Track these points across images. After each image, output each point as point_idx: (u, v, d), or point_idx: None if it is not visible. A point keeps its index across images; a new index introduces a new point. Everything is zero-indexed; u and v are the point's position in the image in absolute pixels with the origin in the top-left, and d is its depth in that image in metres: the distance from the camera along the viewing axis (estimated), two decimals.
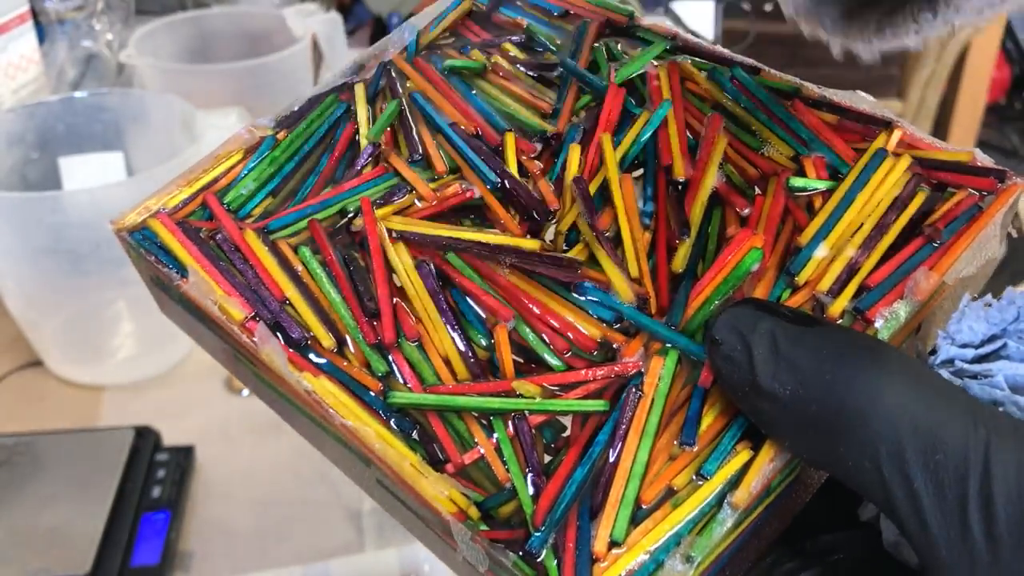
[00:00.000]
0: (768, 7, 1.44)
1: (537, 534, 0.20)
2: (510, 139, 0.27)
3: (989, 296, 0.23)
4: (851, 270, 0.23)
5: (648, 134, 0.27)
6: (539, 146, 0.27)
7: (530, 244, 0.25)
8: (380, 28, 1.04)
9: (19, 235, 0.51)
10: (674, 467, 0.21)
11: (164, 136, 0.58)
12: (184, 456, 0.50)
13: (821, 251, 0.24)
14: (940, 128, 1.52)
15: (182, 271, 0.25)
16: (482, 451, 0.22)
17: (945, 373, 0.22)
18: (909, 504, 0.17)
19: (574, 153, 0.27)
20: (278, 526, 0.48)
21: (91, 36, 0.76)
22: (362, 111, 0.29)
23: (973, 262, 0.23)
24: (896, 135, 0.26)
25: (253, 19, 0.82)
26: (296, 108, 0.29)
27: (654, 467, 0.21)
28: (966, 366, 0.21)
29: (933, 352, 0.22)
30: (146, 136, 0.60)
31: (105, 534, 0.44)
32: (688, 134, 0.27)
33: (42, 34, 0.74)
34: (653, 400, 0.22)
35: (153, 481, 0.48)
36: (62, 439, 0.51)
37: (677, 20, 1.05)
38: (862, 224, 0.24)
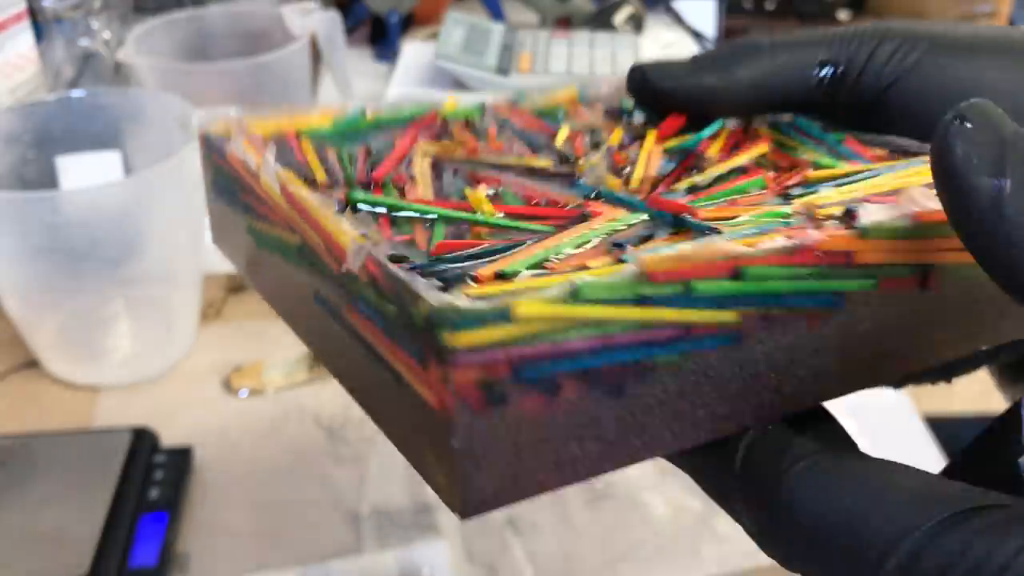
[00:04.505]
0: (769, 6, 1.43)
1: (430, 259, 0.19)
2: (563, 130, 0.28)
3: None
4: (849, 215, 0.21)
5: (694, 142, 0.26)
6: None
7: (542, 163, 0.25)
8: (379, 26, 1.03)
9: (16, 235, 0.51)
10: (594, 252, 0.20)
11: (162, 135, 0.58)
12: (182, 457, 0.50)
13: (827, 191, 0.22)
14: None
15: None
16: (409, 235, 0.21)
17: None
18: None
19: (616, 134, 0.27)
20: (277, 528, 0.48)
21: (88, 34, 0.76)
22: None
23: None
24: None
25: (251, 17, 0.82)
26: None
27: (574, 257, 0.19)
28: None
29: None
30: (144, 135, 0.60)
31: (102, 536, 0.44)
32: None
33: (39, 32, 0.74)
34: (600, 225, 0.21)
35: (151, 482, 0.48)
36: (59, 440, 0.50)
37: (678, 19, 1.05)
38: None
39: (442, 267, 0.19)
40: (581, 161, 0.25)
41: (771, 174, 0.24)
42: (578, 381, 0.17)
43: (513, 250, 0.20)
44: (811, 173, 0.23)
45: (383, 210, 0.22)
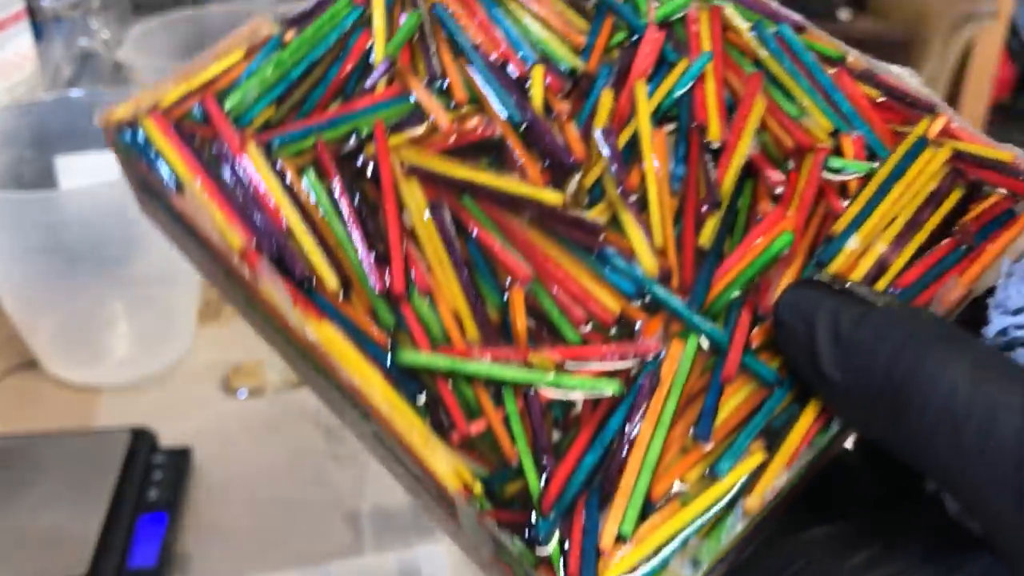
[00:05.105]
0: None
1: (544, 522, 0.19)
2: (538, 74, 0.26)
3: None
4: (881, 267, 0.23)
5: (684, 88, 0.26)
6: (568, 85, 0.26)
7: (553, 197, 0.24)
8: None
9: (14, 235, 0.50)
10: (685, 462, 0.20)
11: None
12: (181, 458, 0.50)
13: (853, 243, 0.23)
14: None
15: (176, 183, 0.23)
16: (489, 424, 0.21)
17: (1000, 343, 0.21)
18: (971, 487, 0.17)
19: (605, 99, 0.25)
20: (276, 528, 0.48)
21: (87, 34, 0.76)
22: (379, 19, 0.26)
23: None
24: (939, 123, 0.25)
25: (251, 17, 0.82)
26: (306, 7, 0.27)
27: (666, 458, 0.20)
28: (1021, 334, 0.20)
29: (987, 323, 0.21)
30: None
31: (102, 536, 0.44)
32: (725, 90, 0.26)
33: (38, 32, 0.74)
34: (670, 388, 0.21)
35: (150, 483, 0.48)
36: (58, 441, 0.50)
37: None
38: (895, 217, 0.23)
39: (555, 529, 0.20)
40: (587, 184, 0.24)
41: (791, 218, 0.24)
42: None
43: (600, 451, 0.20)
44: (834, 227, 0.24)
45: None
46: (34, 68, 0.70)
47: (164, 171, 0.24)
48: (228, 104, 0.25)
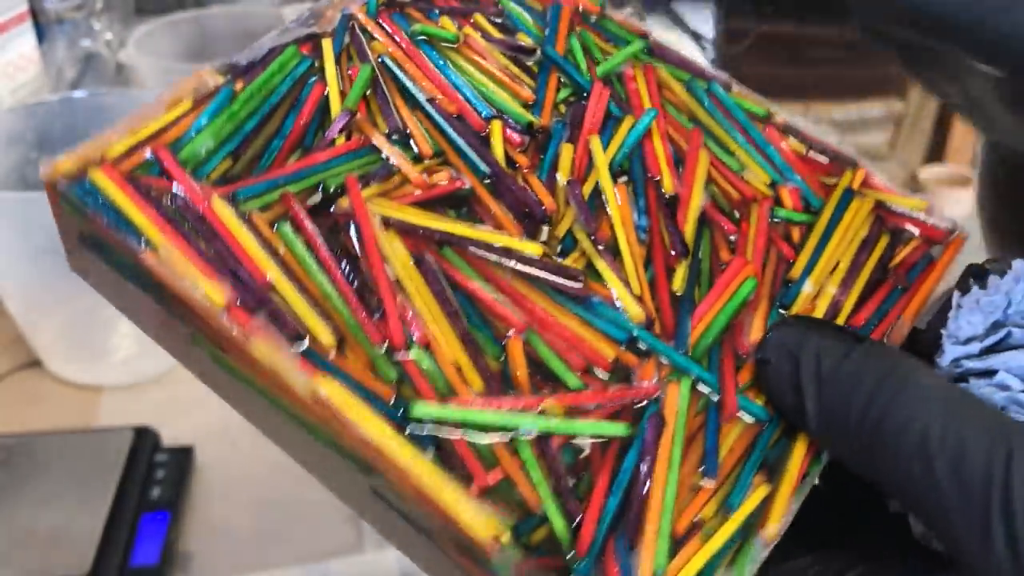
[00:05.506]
0: (769, 8, 1.44)
1: (583, 565, 0.20)
2: (497, 128, 0.26)
3: (976, 289, 0.23)
4: (835, 308, 0.25)
5: (633, 142, 0.27)
6: (527, 139, 0.26)
7: (533, 248, 0.24)
8: None
9: (18, 235, 0.51)
10: (699, 499, 0.22)
11: None
12: (183, 457, 0.50)
13: (807, 286, 0.25)
14: (941, 128, 1.53)
15: (144, 240, 0.22)
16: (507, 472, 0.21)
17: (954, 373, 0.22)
18: (941, 517, 0.19)
19: (566, 152, 0.26)
20: (278, 527, 0.48)
21: (90, 35, 0.76)
22: (331, 70, 0.26)
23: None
24: (860, 175, 0.28)
25: (252, 18, 0.82)
26: (253, 58, 0.26)
27: (680, 498, 0.21)
28: (972, 364, 0.21)
29: (941, 353, 0.22)
30: None
31: (104, 534, 0.44)
32: (669, 144, 0.27)
33: (41, 33, 0.74)
34: (674, 430, 0.22)
35: (152, 481, 0.48)
36: (61, 439, 0.50)
37: (678, 20, 1.05)
38: (839, 262, 0.26)
39: (592, 571, 0.20)
40: (559, 224, 0.25)
41: (752, 264, 0.25)
42: None
43: (619, 494, 0.21)
44: (791, 272, 0.25)
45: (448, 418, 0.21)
46: (37, 70, 0.70)
47: (123, 224, 0.22)
48: (182, 156, 0.23)
